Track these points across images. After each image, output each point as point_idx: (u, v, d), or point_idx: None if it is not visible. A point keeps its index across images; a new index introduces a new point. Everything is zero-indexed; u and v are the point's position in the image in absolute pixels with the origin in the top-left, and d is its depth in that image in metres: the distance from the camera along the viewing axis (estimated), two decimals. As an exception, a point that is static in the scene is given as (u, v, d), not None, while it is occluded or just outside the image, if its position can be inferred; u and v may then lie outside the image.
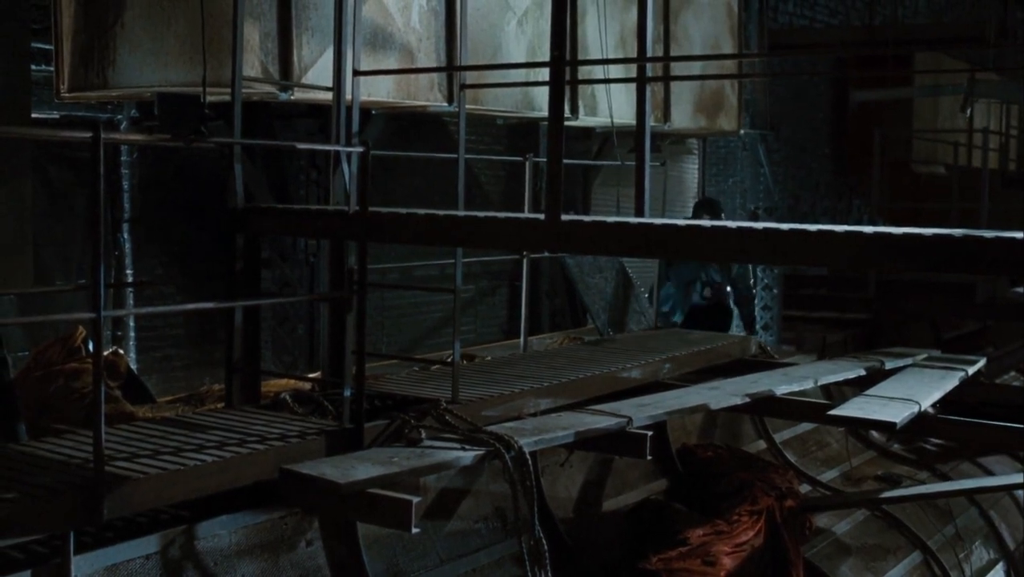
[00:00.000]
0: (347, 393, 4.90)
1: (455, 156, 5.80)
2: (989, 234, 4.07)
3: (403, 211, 4.93)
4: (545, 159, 9.61)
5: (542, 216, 4.48)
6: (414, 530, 4.31)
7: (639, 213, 5.07)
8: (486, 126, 11.19)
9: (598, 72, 9.86)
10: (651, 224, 4.30)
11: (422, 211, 4.90)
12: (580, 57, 9.63)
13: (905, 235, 4.18)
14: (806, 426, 8.54)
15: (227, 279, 5.27)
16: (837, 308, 11.21)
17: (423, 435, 4.99)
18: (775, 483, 6.99)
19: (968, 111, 12.06)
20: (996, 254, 3.98)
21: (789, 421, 8.23)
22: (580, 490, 6.31)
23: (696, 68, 10.87)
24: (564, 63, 4.47)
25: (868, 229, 4.36)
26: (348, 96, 5.88)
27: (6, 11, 6.81)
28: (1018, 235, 3.83)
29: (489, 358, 7.47)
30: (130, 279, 8.42)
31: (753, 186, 14.39)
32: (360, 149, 4.94)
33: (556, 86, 4.51)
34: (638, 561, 6.02)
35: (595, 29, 9.87)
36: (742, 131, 12.48)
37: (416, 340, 10.45)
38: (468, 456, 4.86)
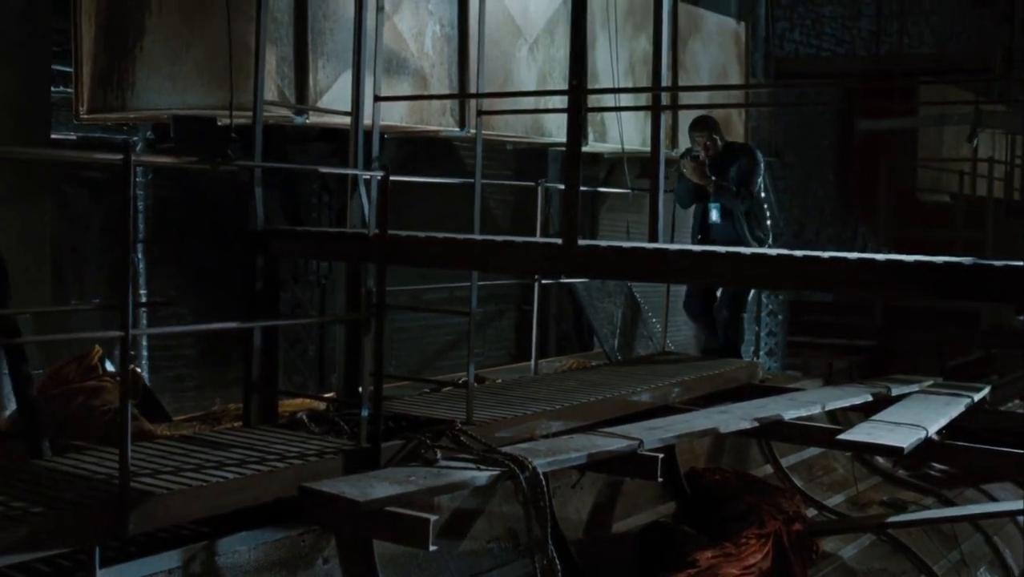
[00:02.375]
0: (364, 413, 4.98)
1: (471, 181, 5.89)
2: (997, 263, 4.16)
3: (422, 235, 5.03)
4: (556, 184, 9.74)
5: (559, 241, 4.58)
6: (431, 548, 4.38)
7: (652, 238, 5.15)
8: (495, 151, 11.29)
9: (608, 99, 9.97)
10: (667, 250, 4.40)
11: (441, 235, 5.00)
12: (592, 85, 9.75)
13: (916, 263, 4.27)
14: (812, 451, 8.61)
15: (247, 300, 5.36)
16: (843, 335, 11.29)
17: (439, 455, 5.06)
18: (782, 507, 7.06)
19: (974, 141, 12.17)
20: (1004, 283, 4.06)
21: (796, 446, 8.29)
22: (590, 512, 6.38)
23: (703, 96, 10.99)
24: (582, 92, 4.57)
25: (880, 256, 4.45)
26: (367, 121, 5.98)
27: (28, 34, 6.91)
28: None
29: (500, 380, 7.54)
30: (144, 299, 8.49)
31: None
32: (380, 173, 5.03)
33: (574, 115, 4.61)
34: (647, 583, 6.09)
35: (605, 57, 9.99)
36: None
37: (425, 362, 10.52)
38: (483, 476, 4.93)
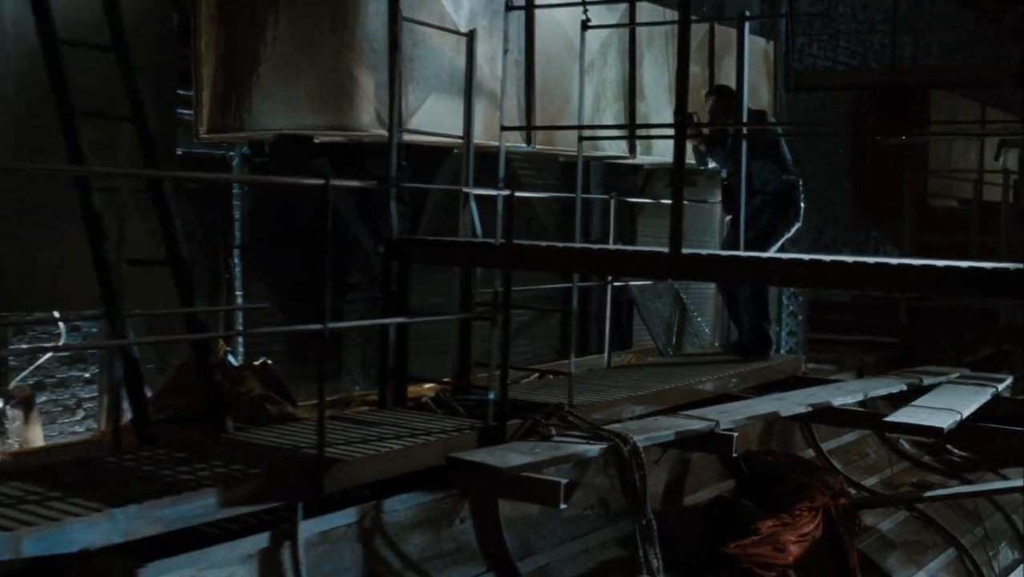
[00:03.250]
0: (491, 397, 5.83)
1: (572, 196, 6.75)
2: (1013, 266, 5.03)
3: (543, 244, 5.88)
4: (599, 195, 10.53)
5: (666, 249, 5.44)
6: (562, 506, 5.23)
7: (675, 244, 5.92)
8: (545, 162, 12.14)
9: (653, 113, 10.86)
10: (758, 257, 5.25)
11: (560, 244, 5.85)
12: (640, 101, 10.65)
13: (946, 267, 5.15)
14: (848, 438, 9.48)
15: (383, 300, 6.20)
16: (866, 332, 12.13)
17: (553, 432, 5.92)
18: (829, 484, 7.90)
19: (1001, 159, 13.03)
20: (1021, 283, 4.93)
21: (834, 432, 9.17)
22: (665, 486, 7.24)
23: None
24: (686, 124, 5.43)
25: (916, 261, 5.32)
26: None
27: (159, 62, 7.73)
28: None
29: (572, 371, 8.38)
30: (239, 301, 9.33)
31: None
32: (507, 192, 5.89)
33: (679, 142, 5.47)
34: (717, 548, 6.94)
35: (651, 74, 10.87)
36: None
37: (486, 353, 11.36)
38: (594, 449, 5.79)
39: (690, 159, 9.40)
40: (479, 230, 6.77)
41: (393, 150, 6.43)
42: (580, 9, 8.93)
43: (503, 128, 6.73)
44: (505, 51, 8.64)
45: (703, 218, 14.53)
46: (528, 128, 7.73)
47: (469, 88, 7.04)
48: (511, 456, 5.43)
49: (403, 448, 5.26)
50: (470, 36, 7.24)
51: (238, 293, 9.44)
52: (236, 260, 9.42)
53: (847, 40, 17.93)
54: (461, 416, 6.18)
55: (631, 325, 11.91)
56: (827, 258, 5.29)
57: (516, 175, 11.62)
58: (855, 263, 5.12)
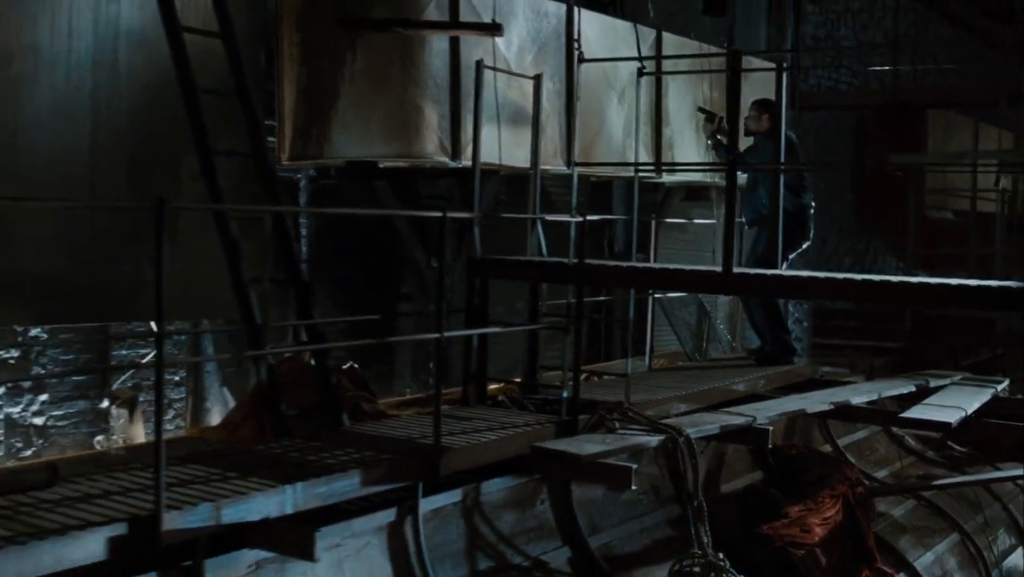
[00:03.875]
0: (565, 396, 6.76)
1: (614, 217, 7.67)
2: (1015, 284, 5.98)
3: (611, 263, 6.81)
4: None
5: (719, 268, 6.37)
6: (633, 487, 6.15)
7: (727, 261, 6.91)
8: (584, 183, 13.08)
9: (676, 135, 11.81)
10: (799, 276, 6.19)
11: (625, 264, 6.78)
12: (665, 125, 11.60)
13: (959, 285, 6.09)
14: (860, 435, 10.43)
15: (466, 312, 7.13)
16: (871, 338, 13.09)
17: (617, 425, 6.85)
18: (847, 475, 8.84)
19: (1000, 184, 14.00)
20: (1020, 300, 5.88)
21: (847, 429, 10.11)
22: (705, 476, 8.16)
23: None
24: (736, 167, 6.37)
25: (933, 280, 6.26)
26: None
27: (251, 96, 8.62)
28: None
29: (609, 377, 9.32)
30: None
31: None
32: (579, 219, 6.82)
33: (731, 180, 6.41)
34: (752, 529, 7.87)
35: (675, 101, 11.81)
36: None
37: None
38: (654, 440, 6.72)
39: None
40: (545, 250, 7.69)
41: (476, 182, 7.33)
42: (615, 42, 9.98)
43: (575, 164, 7.63)
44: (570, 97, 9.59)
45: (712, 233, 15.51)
46: (597, 165, 8.67)
47: (536, 125, 7.97)
48: (587, 445, 6.35)
49: (498, 439, 6.18)
50: (537, 80, 8.15)
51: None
52: (304, 269, 10.30)
53: (849, 60, 18.89)
54: (530, 412, 7.11)
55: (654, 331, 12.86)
56: (858, 277, 6.24)
57: (548, 192, 12.53)
58: (883, 282, 6.06)
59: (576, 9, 9.87)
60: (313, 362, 8.53)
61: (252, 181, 7.42)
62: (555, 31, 10.16)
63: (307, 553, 4.77)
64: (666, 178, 12.11)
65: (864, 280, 6.13)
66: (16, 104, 7.07)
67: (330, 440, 5.94)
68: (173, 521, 4.50)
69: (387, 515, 5.62)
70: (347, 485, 5.26)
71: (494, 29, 7.91)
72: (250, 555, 4.93)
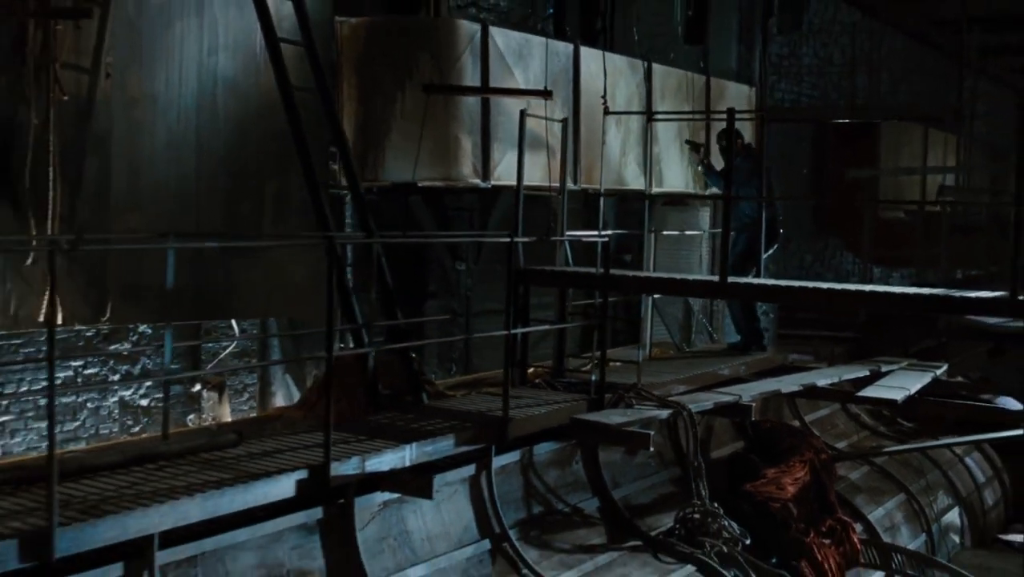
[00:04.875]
0: (594, 379, 8.53)
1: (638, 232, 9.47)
2: (956, 294, 7.81)
3: (631, 273, 8.59)
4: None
5: (715, 278, 8.17)
6: (650, 448, 7.93)
7: (724, 268, 8.73)
8: (573, 194, 14.82)
9: (663, 152, 13.58)
10: (792, 286, 8.01)
11: (643, 273, 8.56)
12: (655, 142, 13.40)
13: (913, 293, 7.91)
14: (822, 412, 12.30)
15: (511, 312, 8.87)
16: (832, 329, 14.97)
17: (634, 402, 8.63)
18: (813, 444, 10.67)
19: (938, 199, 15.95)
20: (964, 304, 7.70)
21: (812, 407, 11.97)
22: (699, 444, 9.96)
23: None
24: (730, 200, 8.19)
25: (897, 290, 8.08)
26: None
27: (319, 130, 10.31)
28: (972, 294, 7.57)
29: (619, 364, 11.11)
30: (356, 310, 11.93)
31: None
32: (606, 238, 8.59)
33: (726, 211, 8.22)
34: (737, 487, 9.69)
35: (663, 124, 13.59)
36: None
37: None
38: (664, 413, 8.52)
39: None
40: (571, 261, 9.46)
41: (519, 207, 9.05)
42: (613, 74, 11.82)
43: (601, 194, 9.41)
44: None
45: (694, 240, 17.32)
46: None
47: (564, 156, 9.71)
48: (613, 417, 8.14)
49: (545, 412, 7.97)
50: (565, 122, 9.90)
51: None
52: (349, 276, 12.00)
53: (809, 75, 20.78)
54: (561, 391, 8.87)
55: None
56: (827, 285, 8.05)
57: (549, 208, 14.29)
58: (857, 291, 7.90)
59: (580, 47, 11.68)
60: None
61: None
62: (564, 68, 11.96)
63: (427, 493, 6.52)
64: (656, 190, 13.92)
65: (833, 288, 7.96)
66: (138, 143, 8.75)
67: (419, 413, 7.68)
68: (336, 470, 6.23)
69: (469, 469, 7.38)
70: (445, 446, 7.02)
71: (546, 94, 9.64)
72: (382, 496, 6.67)
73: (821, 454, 10.57)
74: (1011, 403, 11.43)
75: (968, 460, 13.02)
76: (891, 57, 23.17)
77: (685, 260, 13.65)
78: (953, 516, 12.09)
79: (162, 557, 5.42)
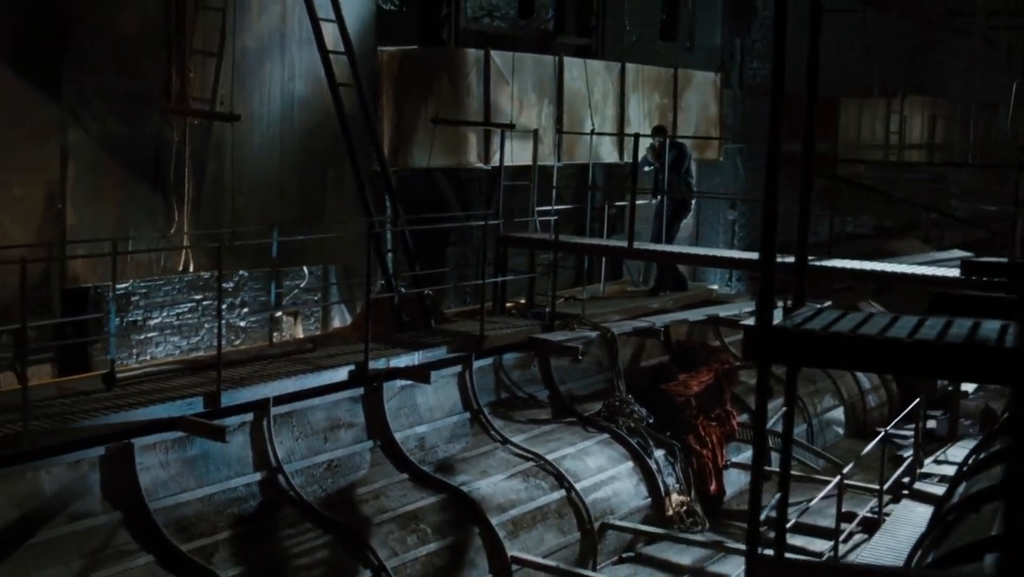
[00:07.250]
0: (547, 310, 12.71)
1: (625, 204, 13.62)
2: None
3: (575, 240, 12.74)
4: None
5: (624, 244, 12.29)
6: (580, 358, 12.11)
7: (660, 235, 12.89)
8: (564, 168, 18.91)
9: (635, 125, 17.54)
10: (669, 251, 12.10)
11: (576, 239, 12.70)
12: (627, 127, 17.38)
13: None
14: (739, 336, 16.39)
15: (483, 270, 13.03)
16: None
17: (575, 327, 12.80)
18: (721, 358, 14.79)
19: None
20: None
21: (732, 332, 16.06)
22: (631, 357, 14.12)
23: (692, 127, 18.65)
24: (670, 192, 12.26)
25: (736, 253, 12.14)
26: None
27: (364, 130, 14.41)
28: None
29: (584, 297, 15.24)
30: (390, 264, 16.14)
31: (732, 186, 22.30)
32: (556, 216, 12.69)
33: (663, 197, 12.29)
34: (656, 387, 13.84)
35: (636, 104, 17.59)
36: (726, 146, 20.31)
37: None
38: (594, 335, 12.70)
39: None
40: (539, 227, 13.61)
41: (500, 193, 13.17)
42: (591, 76, 15.87)
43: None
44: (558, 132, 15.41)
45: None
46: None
47: (536, 158, 13.81)
48: (557, 336, 12.31)
49: (511, 331, 12.17)
50: (536, 132, 14.00)
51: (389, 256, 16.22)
52: (388, 236, 16.19)
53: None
54: (529, 319, 13.05)
55: (621, 267, 18.87)
56: (703, 251, 12.11)
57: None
58: (706, 255, 11.94)
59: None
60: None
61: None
62: (550, 75, 15.99)
63: (427, 380, 10.75)
64: (627, 161, 17.94)
65: (700, 253, 12.04)
66: (241, 147, 12.93)
67: (428, 332, 11.91)
68: (372, 365, 10.47)
69: (457, 368, 11.59)
70: (441, 352, 11.26)
71: (509, 126, 13.80)
72: (400, 382, 10.92)
73: (726, 365, 14.70)
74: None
75: (859, 373, 17.03)
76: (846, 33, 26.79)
77: (643, 223, 17.74)
78: (836, 413, 16.14)
79: (274, 411, 9.70)
